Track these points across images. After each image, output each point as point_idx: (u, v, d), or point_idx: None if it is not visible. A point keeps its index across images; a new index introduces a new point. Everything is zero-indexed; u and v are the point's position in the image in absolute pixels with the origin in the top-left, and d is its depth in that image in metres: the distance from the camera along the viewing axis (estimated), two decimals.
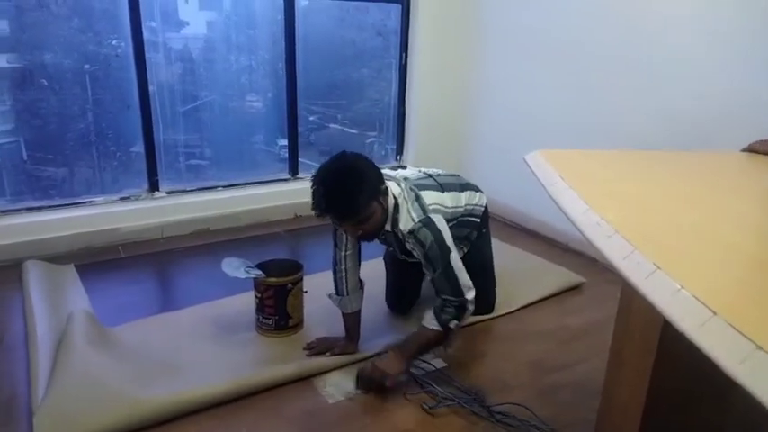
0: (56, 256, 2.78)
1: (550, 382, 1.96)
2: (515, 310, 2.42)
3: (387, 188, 1.81)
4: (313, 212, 1.73)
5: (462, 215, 2.13)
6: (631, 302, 1.33)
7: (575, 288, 2.67)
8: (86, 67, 2.90)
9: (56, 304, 2.24)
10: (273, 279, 2.08)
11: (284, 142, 3.58)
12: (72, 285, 2.47)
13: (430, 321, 1.84)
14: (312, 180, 1.72)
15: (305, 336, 2.15)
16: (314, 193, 1.70)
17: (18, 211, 2.83)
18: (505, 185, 3.56)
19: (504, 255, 2.97)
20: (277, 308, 2.10)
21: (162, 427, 1.64)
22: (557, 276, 2.72)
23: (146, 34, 2.93)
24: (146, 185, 3.15)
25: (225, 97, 3.39)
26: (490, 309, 2.36)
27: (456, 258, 1.84)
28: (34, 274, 2.48)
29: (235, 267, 2.10)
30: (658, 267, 0.74)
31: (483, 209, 2.24)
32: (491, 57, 3.64)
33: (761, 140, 1.58)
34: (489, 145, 3.73)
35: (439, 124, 3.89)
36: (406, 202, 1.85)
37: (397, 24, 3.76)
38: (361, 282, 2.07)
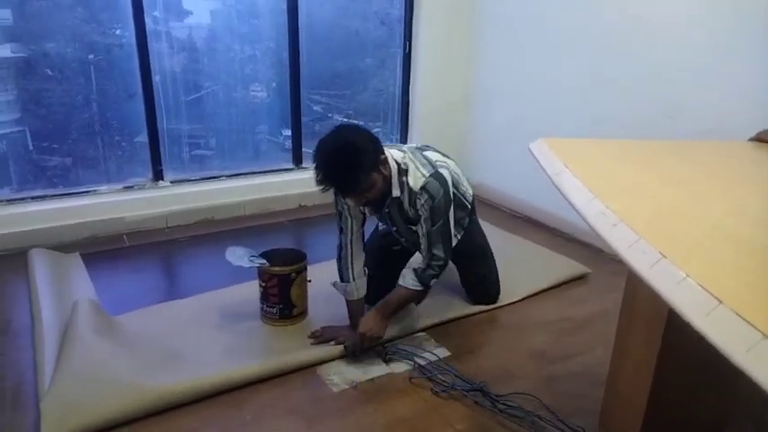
0: (61, 244, 2.79)
1: (554, 372, 1.96)
2: (519, 301, 2.42)
3: (386, 157, 1.86)
4: (318, 188, 1.79)
5: (455, 193, 2.11)
6: (636, 292, 1.33)
7: (579, 278, 2.66)
8: (90, 56, 2.90)
9: (61, 292, 2.26)
10: (277, 268, 2.08)
11: (288, 132, 3.58)
12: (77, 274, 2.49)
13: (411, 282, 1.95)
14: (313, 159, 1.78)
15: (309, 325, 2.16)
16: (316, 173, 1.76)
17: (24, 199, 2.84)
18: (510, 175, 3.55)
19: (508, 245, 2.97)
20: (281, 297, 2.10)
21: (166, 415, 1.66)
22: (561, 267, 2.71)
23: (149, 23, 2.92)
24: (150, 175, 3.15)
25: (229, 87, 3.38)
26: (494, 298, 2.36)
27: (452, 215, 1.96)
28: (40, 263, 2.49)
29: (239, 256, 2.10)
30: (664, 256, 0.73)
31: (472, 197, 2.27)
32: (495, 45, 3.61)
33: None
34: (493, 134, 3.71)
35: (443, 113, 3.88)
36: (413, 162, 1.92)
37: (400, 13, 3.73)
38: (364, 269, 2.08)
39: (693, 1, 2.44)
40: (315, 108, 3.66)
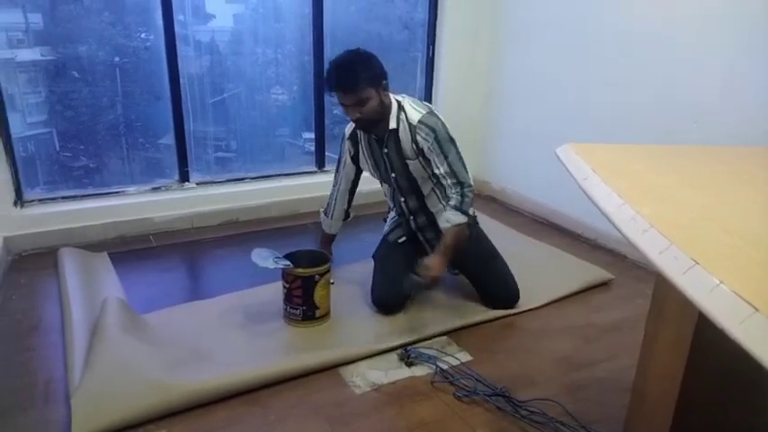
0: (90, 244, 2.85)
1: (577, 379, 1.95)
2: (541, 306, 2.40)
3: (387, 84, 2.10)
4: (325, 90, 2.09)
5: None
6: (665, 299, 1.32)
7: (603, 285, 2.64)
8: (116, 59, 2.95)
9: (90, 290, 2.30)
10: (301, 270, 2.10)
11: (309, 135, 3.60)
12: (106, 272, 2.53)
13: (453, 219, 2.08)
14: (327, 67, 2.05)
15: (332, 326, 2.17)
16: (327, 73, 2.03)
17: (53, 199, 2.90)
18: (532, 179, 3.54)
19: (529, 250, 2.95)
20: (305, 298, 2.12)
21: (192, 413, 1.68)
22: (584, 272, 2.69)
23: (175, 27, 2.96)
24: (176, 176, 3.20)
25: (251, 90, 3.42)
26: (514, 300, 2.35)
27: (458, 146, 2.13)
28: (69, 261, 2.55)
29: (264, 258, 2.12)
30: (696, 262, 0.73)
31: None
32: (517, 50, 3.60)
33: None
34: (515, 138, 3.70)
35: (465, 117, 3.86)
36: (410, 103, 2.17)
37: (424, 17, 3.74)
38: (348, 213, 2.48)
39: (719, 3, 2.41)
40: (335, 111, 3.69)
